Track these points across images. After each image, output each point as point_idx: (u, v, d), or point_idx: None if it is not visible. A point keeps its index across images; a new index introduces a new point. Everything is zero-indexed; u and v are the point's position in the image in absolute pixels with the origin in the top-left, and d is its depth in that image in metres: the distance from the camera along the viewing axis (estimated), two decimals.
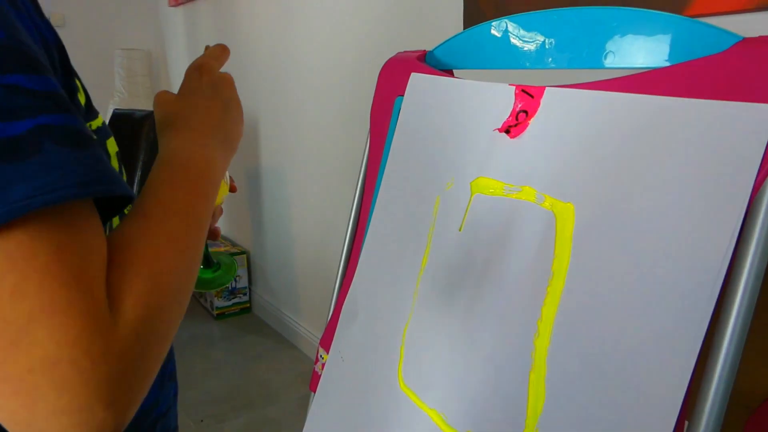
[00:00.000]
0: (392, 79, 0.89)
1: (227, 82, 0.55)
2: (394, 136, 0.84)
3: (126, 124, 2.28)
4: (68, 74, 0.45)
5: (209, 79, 0.55)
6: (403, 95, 0.85)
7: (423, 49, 0.91)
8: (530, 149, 0.66)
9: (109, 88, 3.63)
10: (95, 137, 0.49)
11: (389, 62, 0.91)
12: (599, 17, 0.67)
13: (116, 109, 2.49)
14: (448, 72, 0.86)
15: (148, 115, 2.17)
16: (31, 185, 0.31)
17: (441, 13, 1.64)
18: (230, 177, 0.72)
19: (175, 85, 3.73)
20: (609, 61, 0.66)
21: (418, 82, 0.83)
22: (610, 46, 0.66)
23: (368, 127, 0.93)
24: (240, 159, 2.99)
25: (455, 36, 0.84)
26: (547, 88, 0.67)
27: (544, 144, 0.65)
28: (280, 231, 2.70)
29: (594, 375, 0.57)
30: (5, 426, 0.31)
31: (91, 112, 0.52)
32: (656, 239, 0.54)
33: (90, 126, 0.50)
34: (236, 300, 2.93)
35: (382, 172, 0.86)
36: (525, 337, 0.63)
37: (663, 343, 0.52)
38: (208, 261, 0.75)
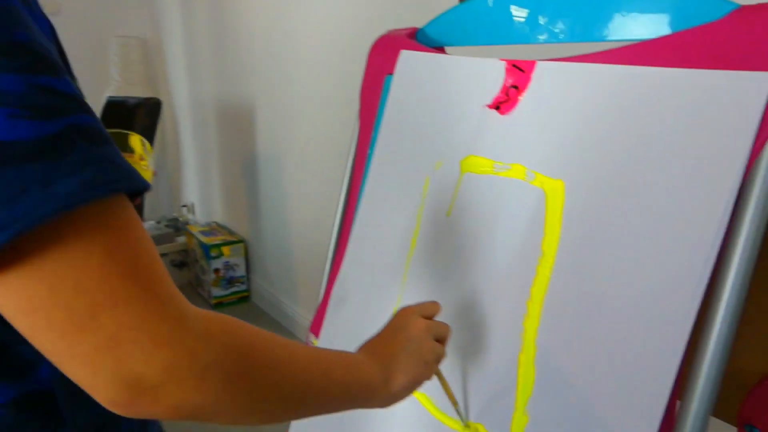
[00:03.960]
0: (382, 58, 0.87)
1: (415, 324, 0.59)
2: (384, 116, 0.82)
3: (120, 111, 2.26)
4: (66, 67, 0.45)
5: (401, 319, 0.60)
6: (392, 74, 0.83)
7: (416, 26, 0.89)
8: (520, 126, 0.65)
9: (105, 76, 3.60)
10: None
11: (379, 40, 0.89)
12: None
13: (110, 96, 2.46)
14: (440, 49, 0.84)
15: (143, 102, 2.15)
16: (75, 181, 0.33)
17: None
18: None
19: (171, 74, 3.70)
20: (604, 34, 0.64)
21: (408, 59, 0.81)
22: (604, 18, 0.64)
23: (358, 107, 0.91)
24: (236, 147, 2.97)
25: (446, 12, 0.82)
26: (538, 62, 0.65)
27: (535, 120, 0.63)
28: (277, 218, 2.68)
29: (584, 355, 0.55)
30: (74, 381, 0.36)
31: None
32: (648, 214, 0.52)
33: None
34: (234, 289, 2.92)
35: (372, 153, 0.85)
36: (514, 318, 0.61)
37: (654, 322, 0.51)
38: None
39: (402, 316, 0.60)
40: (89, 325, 0.34)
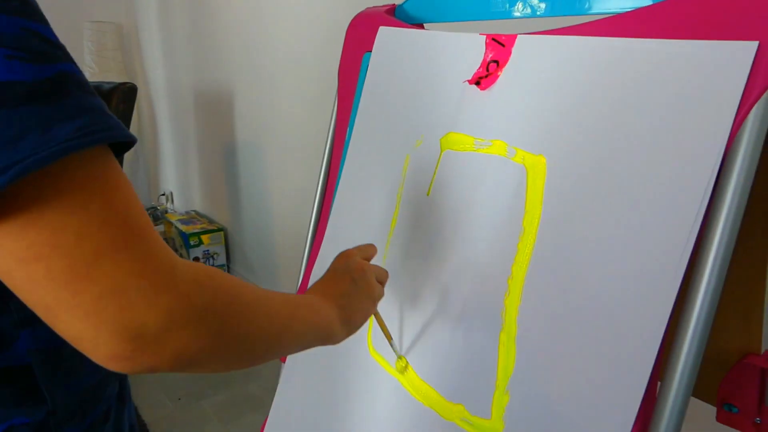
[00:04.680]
0: (360, 35, 0.85)
1: (358, 266, 0.62)
2: (362, 94, 0.81)
3: None
4: None
5: (344, 261, 0.63)
6: (371, 51, 0.81)
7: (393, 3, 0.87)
8: (501, 101, 0.63)
9: (79, 63, 3.51)
10: None
11: (357, 18, 0.87)
12: None
13: None
14: (419, 26, 0.82)
15: (117, 88, 2.10)
16: (71, 127, 0.33)
17: None
18: None
19: (147, 60, 3.62)
20: (585, 8, 0.63)
21: (387, 36, 0.79)
22: None
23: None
24: (215, 133, 2.92)
25: None
26: (518, 36, 0.63)
27: (516, 95, 0.62)
28: (257, 205, 2.65)
29: (565, 335, 0.54)
30: (69, 341, 0.35)
31: None
32: (631, 189, 0.51)
33: None
34: None
35: (351, 133, 0.83)
36: (495, 297, 0.60)
37: (635, 302, 0.50)
38: None
39: (344, 258, 0.63)
40: (92, 273, 0.33)
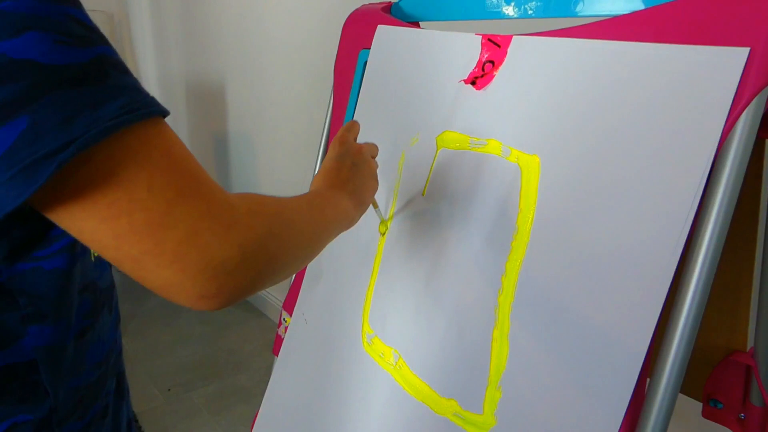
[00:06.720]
0: (357, 32, 0.85)
1: (356, 149, 0.66)
2: (360, 91, 0.81)
3: None
4: None
5: (342, 148, 0.65)
6: (368, 48, 0.82)
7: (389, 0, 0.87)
8: (496, 101, 0.64)
9: None
10: None
11: (353, 15, 0.87)
12: None
13: None
14: (415, 24, 0.82)
15: None
16: (117, 104, 0.35)
17: None
18: None
19: (138, 50, 3.59)
20: (579, 9, 0.64)
21: (385, 34, 0.79)
22: None
23: (333, 83, 0.89)
24: (206, 126, 2.91)
25: None
26: (514, 37, 0.64)
27: (511, 95, 0.63)
28: None
29: (557, 332, 0.55)
30: (157, 291, 0.38)
31: None
32: (623, 190, 0.52)
33: None
34: None
35: None
36: (488, 294, 0.61)
37: (626, 299, 0.51)
38: None
39: (339, 146, 0.65)
40: (168, 221, 0.36)
